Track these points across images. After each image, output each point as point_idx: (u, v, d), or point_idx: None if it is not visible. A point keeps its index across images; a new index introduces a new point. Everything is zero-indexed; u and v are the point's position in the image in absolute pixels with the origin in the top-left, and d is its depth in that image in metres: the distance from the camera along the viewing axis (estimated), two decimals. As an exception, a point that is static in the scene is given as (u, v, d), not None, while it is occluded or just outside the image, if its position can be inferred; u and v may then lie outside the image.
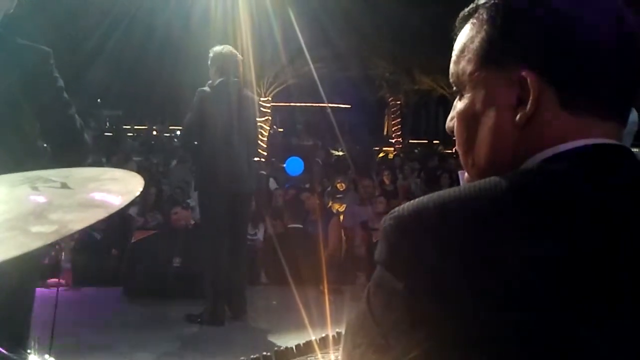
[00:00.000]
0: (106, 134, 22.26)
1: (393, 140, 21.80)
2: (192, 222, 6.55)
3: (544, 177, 0.70)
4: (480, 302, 0.64)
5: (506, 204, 0.67)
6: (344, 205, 7.55)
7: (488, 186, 0.69)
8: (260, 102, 15.54)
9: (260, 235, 6.61)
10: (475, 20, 0.79)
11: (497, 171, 0.73)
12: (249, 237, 6.43)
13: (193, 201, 7.57)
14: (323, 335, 1.51)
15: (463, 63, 0.80)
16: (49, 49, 2.54)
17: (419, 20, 13.52)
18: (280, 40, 12.04)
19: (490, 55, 0.77)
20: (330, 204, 7.90)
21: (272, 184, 8.74)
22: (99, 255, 6.43)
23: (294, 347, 1.49)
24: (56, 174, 1.06)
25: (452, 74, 0.82)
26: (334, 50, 14.24)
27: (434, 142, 22.48)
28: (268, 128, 16.62)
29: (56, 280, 5.50)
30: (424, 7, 13.35)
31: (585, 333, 0.63)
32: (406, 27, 13.88)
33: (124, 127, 24.03)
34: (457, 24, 0.82)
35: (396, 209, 0.72)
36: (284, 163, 11.69)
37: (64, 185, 1.00)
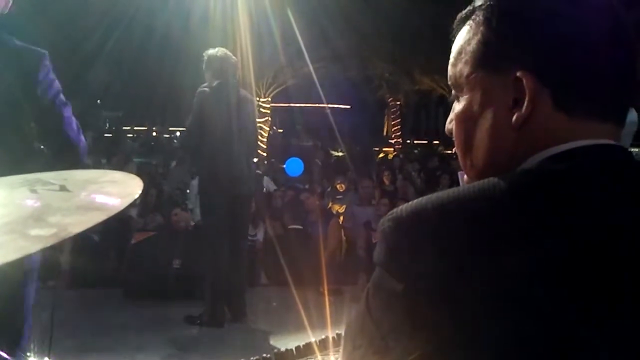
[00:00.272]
0: (106, 135, 22.27)
1: (393, 141, 21.81)
2: (192, 223, 6.55)
3: (543, 178, 0.70)
4: (479, 304, 0.64)
5: (505, 205, 0.67)
6: (344, 206, 7.55)
7: (486, 187, 0.69)
8: (260, 103, 15.54)
9: (260, 236, 6.61)
10: (472, 22, 0.79)
11: (495, 172, 0.73)
12: (249, 237, 6.44)
13: (191, 203, 7.58)
14: (323, 336, 1.51)
15: (460, 65, 0.80)
16: (44, 51, 2.54)
17: (418, 21, 13.53)
18: (280, 40, 12.05)
19: (486, 57, 0.77)
20: (330, 204, 7.90)
21: (267, 183, 8.73)
22: (98, 257, 6.42)
23: (293, 349, 1.49)
24: (55, 177, 1.06)
25: (450, 76, 0.82)
26: (334, 51, 14.24)
27: (434, 142, 22.49)
28: (268, 129, 16.62)
29: (56, 282, 5.49)
30: (424, 7, 13.35)
31: (585, 333, 0.63)
32: (406, 28, 13.89)
33: (124, 128, 24.03)
34: (454, 26, 0.83)
35: (395, 210, 0.72)
36: (284, 164, 11.70)
37: (63, 188, 1.00)
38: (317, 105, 18.20)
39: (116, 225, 6.48)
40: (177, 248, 5.96)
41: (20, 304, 2.52)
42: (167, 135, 20.65)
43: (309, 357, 1.47)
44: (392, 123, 22.52)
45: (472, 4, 0.81)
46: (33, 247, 0.78)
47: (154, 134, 23.64)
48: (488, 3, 0.78)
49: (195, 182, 7.28)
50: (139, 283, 5.75)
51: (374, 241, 6.17)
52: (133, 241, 6.38)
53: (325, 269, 5.56)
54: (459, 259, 0.65)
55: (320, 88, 14.00)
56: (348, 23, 13.08)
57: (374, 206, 7.06)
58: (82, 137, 2.66)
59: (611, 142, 0.73)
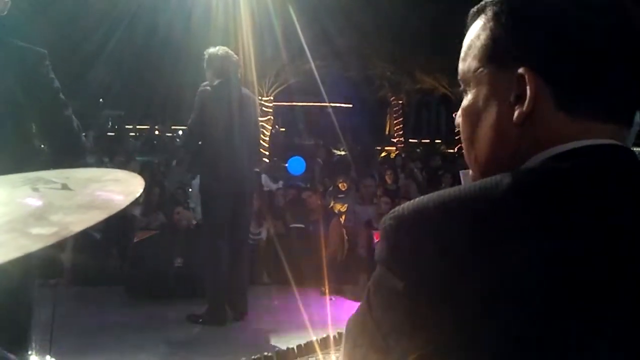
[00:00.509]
0: (108, 134, 22.29)
1: (395, 140, 21.80)
2: (194, 222, 6.55)
3: (545, 177, 0.70)
4: (480, 303, 0.63)
5: (507, 204, 0.67)
6: (346, 205, 7.54)
7: (488, 185, 0.69)
8: (262, 102, 15.54)
9: (264, 234, 6.61)
10: (483, 17, 0.80)
11: (498, 167, 0.74)
12: (252, 236, 6.44)
13: (193, 202, 7.58)
14: (324, 335, 1.51)
15: (469, 60, 0.81)
16: (44, 51, 2.56)
17: (419, 20, 13.52)
18: (281, 39, 12.04)
19: (493, 52, 0.77)
20: (331, 204, 7.90)
21: (265, 181, 8.74)
22: (100, 255, 6.43)
23: (295, 348, 1.50)
24: (57, 175, 1.06)
25: (460, 71, 0.83)
26: (335, 50, 14.24)
27: (436, 141, 22.47)
28: (270, 127, 16.62)
29: (57, 280, 5.49)
30: (424, 6, 13.34)
31: (585, 334, 0.63)
32: (406, 27, 13.88)
33: (126, 127, 24.03)
34: (468, 20, 0.83)
35: (396, 208, 0.72)
36: (286, 162, 11.71)
37: (65, 187, 1.00)
38: (319, 104, 18.20)
39: (119, 224, 6.49)
40: (179, 247, 5.97)
41: (23, 302, 2.53)
42: (170, 134, 20.65)
43: (310, 355, 1.47)
44: (394, 122, 22.51)
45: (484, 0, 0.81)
46: (34, 246, 0.79)
47: (156, 132, 23.66)
48: None
49: (197, 181, 7.29)
50: (141, 281, 5.76)
51: (375, 240, 6.18)
52: (135, 240, 6.40)
53: (326, 268, 5.56)
54: (461, 258, 0.65)
55: (322, 87, 13.99)
56: (349, 22, 13.07)
57: (375, 205, 7.06)
58: (82, 136, 2.68)
59: (615, 142, 0.73)
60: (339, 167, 11.18)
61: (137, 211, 7.25)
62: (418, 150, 18.26)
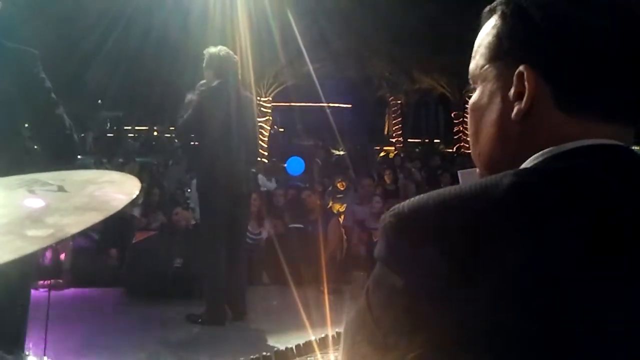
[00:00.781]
0: (107, 135, 22.30)
1: (393, 140, 21.82)
2: (193, 222, 6.55)
3: (545, 177, 0.70)
4: (479, 303, 0.63)
5: (507, 204, 0.67)
6: (345, 205, 7.55)
7: (489, 185, 0.69)
8: (261, 103, 15.55)
9: (264, 234, 6.62)
10: (494, 17, 0.81)
11: (500, 164, 0.75)
12: (253, 236, 6.45)
13: (193, 202, 7.59)
14: (323, 335, 1.51)
15: (477, 57, 0.82)
16: (36, 51, 2.58)
17: (417, 20, 13.54)
18: (279, 40, 12.04)
19: (498, 50, 0.78)
20: (330, 203, 7.91)
21: (262, 181, 8.75)
22: (99, 256, 6.44)
23: (293, 348, 1.49)
24: (53, 177, 1.06)
25: (470, 68, 0.84)
26: (333, 50, 14.25)
27: (435, 141, 22.50)
28: (269, 128, 16.63)
29: (51, 281, 5.50)
30: (422, 7, 13.36)
31: (585, 334, 0.63)
32: (405, 27, 13.89)
33: (125, 128, 24.05)
34: (482, 18, 0.84)
35: (396, 206, 0.72)
36: (285, 163, 11.72)
37: (61, 189, 1.00)
38: (317, 104, 18.22)
39: (118, 225, 6.49)
40: (178, 247, 5.96)
41: (19, 303, 2.54)
42: (168, 135, 20.66)
43: (309, 355, 1.47)
44: (393, 122, 22.53)
45: None
46: (30, 248, 0.79)
47: (155, 133, 23.67)
48: None
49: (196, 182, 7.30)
50: (140, 282, 5.75)
51: (374, 239, 6.17)
52: (134, 240, 6.39)
53: (325, 267, 5.55)
54: (460, 257, 0.65)
55: (321, 87, 14.01)
56: (347, 23, 13.10)
57: (370, 205, 7.06)
58: (74, 135, 2.69)
59: (615, 142, 0.73)
60: (337, 167, 11.20)
61: (136, 212, 7.26)
62: (417, 150, 18.28)
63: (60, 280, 5.99)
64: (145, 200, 7.73)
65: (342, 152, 14.96)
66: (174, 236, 6.19)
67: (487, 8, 0.83)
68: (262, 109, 15.36)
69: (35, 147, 2.62)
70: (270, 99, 16.78)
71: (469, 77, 0.84)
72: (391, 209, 0.72)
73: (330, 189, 8.80)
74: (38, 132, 2.61)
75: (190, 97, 4.91)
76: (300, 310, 4.05)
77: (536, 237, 0.65)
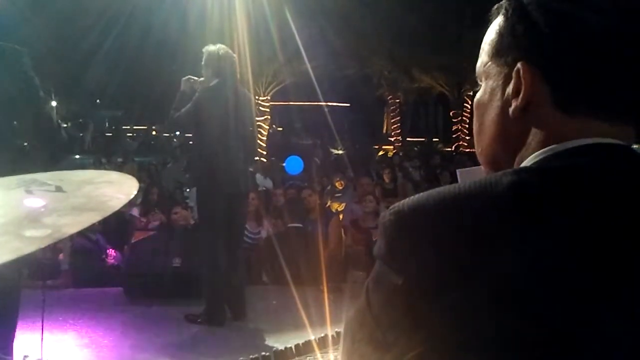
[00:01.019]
0: (106, 134, 22.30)
1: (392, 139, 21.83)
2: (192, 221, 6.55)
3: (545, 176, 0.69)
4: (477, 302, 0.63)
5: (506, 202, 0.67)
6: (343, 204, 7.55)
7: (488, 183, 0.69)
8: (259, 102, 15.55)
9: (263, 234, 6.61)
10: (499, 13, 0.81)
11: (501, 162, 0.76)
12: (253, 235, 6.44)
13: (192, 201, 7.59)
14: (322, 335, 1.51)
15: (482, 54, 0.82)
16: (22, 48, 2.59)
17: (416, 20, 13.55)
18: (278, 39, 12.05)
19: (499, 47, 0.78)
20: (328, 203, 7.91)
21: (259, 180, 8.75)
22: (98, 256, 6.43)
23: (293, 347, 1.49)
24: (51, 177, 1.06)
25: (477, 65, 0.84)
26: (332, 49, 14.26)
27: (434, 139, 22.51)
28: (267, 127, 16.63)
29: (46, 282, 5.50)
30: (421, 6, 13.37)
31: (583, 334, 0.62)
32: (404, 27, 13.91)
33: (124, 127, 24.03)
34: (491, 16, 0.84)
35: (396, 204, 0.72)
36: (284, 162, 11.72)
37: (59, 189, 1.00)
38: (316, 103, 18.23)
39: (117, 224, 6.49)
40: (177, 247, 5.96)
41: (15, 303, 2.54)
42: (167, 135, 20.65)
43: (308, 355, 1.47)
44: (392, 121, 22.55)
45: None
46: (27, 249, 0.78)
47: (154, 133, 23.65)
48: None
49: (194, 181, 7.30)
50: (139, 282, 5.74)
51: (372, 238, 6.17)
52: (133, 240, 6.39)
53: (325, 267, 5.55)
54: (459, 256, 0.65)
55: (319, 86, 14.02)
56: (346, 22, 13.10)
57: (363, 204, 7.04)
58: (63, 131, 2.71)
59: (616, 141, 0.72)
60: (336, 166, 11.20)
61: (135, 211, 7.26)
62: (416, 148, 18.29)
63: (59, 280, 5.99)
64: (144, 199, 7.74)
65: (340, 151, 14.97)
66: (173, 236, 6.18)
67: (495, 7, 0.83)
68: (260, 108, 15.36)
69: (25, 144, 2.63)
70: (269, 97, 16.79)
71: (476, 74, 0.84)
72: (391, 208, 0.72)
73: (328, 188, 8.80)
74: (25, 128, 2.62)
75: (183, 89, 4.90)
76: (299, 309, 4.05)
77: (535, 237, 0.64)
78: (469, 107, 19.00)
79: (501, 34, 0.78)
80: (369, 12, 13.44)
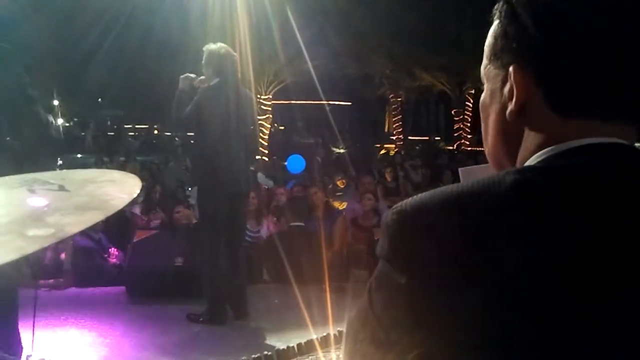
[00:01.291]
0: (108, 133, 22.32)
1: (394, 137, 21.82)
2: (194, 220, 6.55)
3: (547, 175, 0.69)
4: (480, 302, 0.63)
5: (509, 202, 0.67)
6: (344, 203, 7.54)
7: (491, 183, 0.69)
8: (261, 101, 15.55)
9: (263, 232, 6.61)
10: (497, 16, 0.81)
11: (505, 162, 0.77)
12: (252, 234, 6.44)
13: (194, 200, 7.60)
14: (324, 334, 1.51)
15: (484, 57, 0.82)
16: (10, 47, 2.59)
17: (416, 19, 13.54)
18: (279, 38, 12.05)
19: (495, 50, 0.78)
20: (330, 201, 7.90)
21: (261, 179, 8.76)
22: (100, 255, 6.43)
23: (295, 346, 1.49)
24: (53, 177, 1.06)
25: (481, 67, 0.84)
26: (333, 49, 14.25)
27: (436, 138, 22.49)
28: (269, 126, 16.62)
29: (45, 281, 5.51)
30: (421, 5, 13.36)
31: (584, 334, 0.62)
32: (405, 25, 13.90)
33: (125, 126, 24.05)
34: (492, 18, 0.84)
35: (399, 204, 0.72)
36: (285, 161, 11.72)
37: (62, 188, 1.00)
38: (317, 102, 18.22)
39: (119, 223, 6.49)
40: (179, 246, 5.96)
41: (15, 303, 2.54)
42: (169, 133, 20.65)
43: (310, 354, 1.47)
44: (393, 119, 22.54)
45: None
46: (30, 248, 0.78)
47: (155, 132, 23.67)
48: None
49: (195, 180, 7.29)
50: (141, 281, 5.75)
51: (373, 237, 6.17)
52: (135, 239, 6.39)
53: (327, 266, 5.55)
54: (462, 255, 0.65)
55: (321, 85, 14.00)
56: (347, 21, 13.10)
57: (362, 203, 7.03)
58: (51, 128, 2.71)
59: (617, 140, 0.72)
60: (337, 165, 11.20)
61: (137, 210, 7.26)
62: (417, 147, 18.27)
63: (61, 280, 6.00)
64: (146, 198, 7.74)
65: (342, 150, 14.98)
66: (175, 234, 6.18)
67: (495, 7, 0.82)
68: (262, 107, 15.35)
69: (15, 143, 2.63)
70: (270, 96, 16.77)
71: (481, 76, 0.85)
72: (394, 207, 0.72)
73: (330, 187, 8.80)
74: (14, 126, 2.62)
75: (181, 87, 4.90)
76: (301, 308, 4.05)
77: (538, 237, 0.64)
78: (471, 105, 19.01)
79: (495, 37, 0.78)
80: (369, 12, 13.43)
